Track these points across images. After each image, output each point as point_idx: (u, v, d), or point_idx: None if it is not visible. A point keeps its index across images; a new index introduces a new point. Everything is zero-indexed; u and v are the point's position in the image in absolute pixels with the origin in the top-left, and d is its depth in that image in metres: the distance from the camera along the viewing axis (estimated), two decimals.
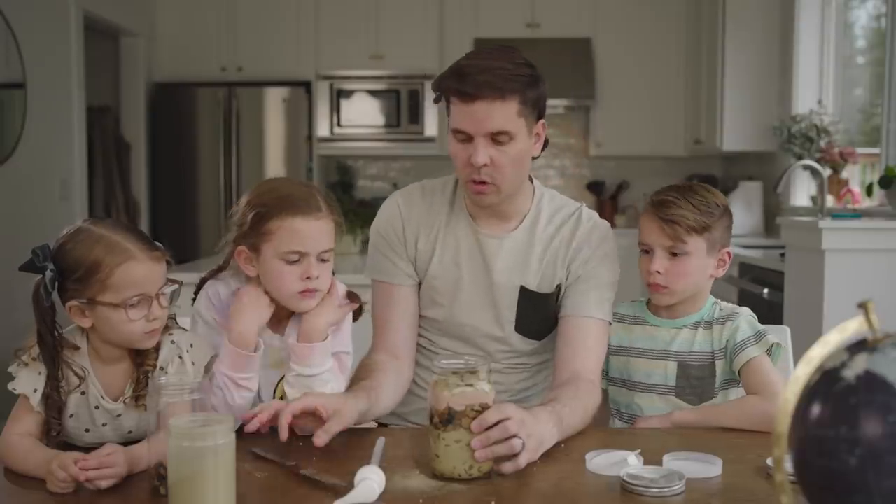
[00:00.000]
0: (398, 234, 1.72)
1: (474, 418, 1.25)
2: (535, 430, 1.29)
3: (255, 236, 1.49)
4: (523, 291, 1.68)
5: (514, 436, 1.25)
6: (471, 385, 1.26)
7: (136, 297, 1.33)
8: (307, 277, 1.48)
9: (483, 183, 1.58)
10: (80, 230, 1.36)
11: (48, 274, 1.32)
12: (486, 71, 1.51)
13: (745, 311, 1.67)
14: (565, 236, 1.69)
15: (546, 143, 1.67)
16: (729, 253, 1.69)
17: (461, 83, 1.52)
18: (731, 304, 1.70)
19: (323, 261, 1.50)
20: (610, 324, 1.68)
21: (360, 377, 1.60)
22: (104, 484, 1.20)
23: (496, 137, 1.54)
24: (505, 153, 1.56)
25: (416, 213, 1.72)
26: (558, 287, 1.68)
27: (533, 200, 1.72)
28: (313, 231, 1.48)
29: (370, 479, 1.18)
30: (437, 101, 1.62)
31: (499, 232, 1.69)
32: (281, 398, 1.54)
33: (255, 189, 1.56)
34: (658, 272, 1.64)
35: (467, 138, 1.56)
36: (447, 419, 1.25)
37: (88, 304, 1.33)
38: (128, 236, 1.35)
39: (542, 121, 1.62)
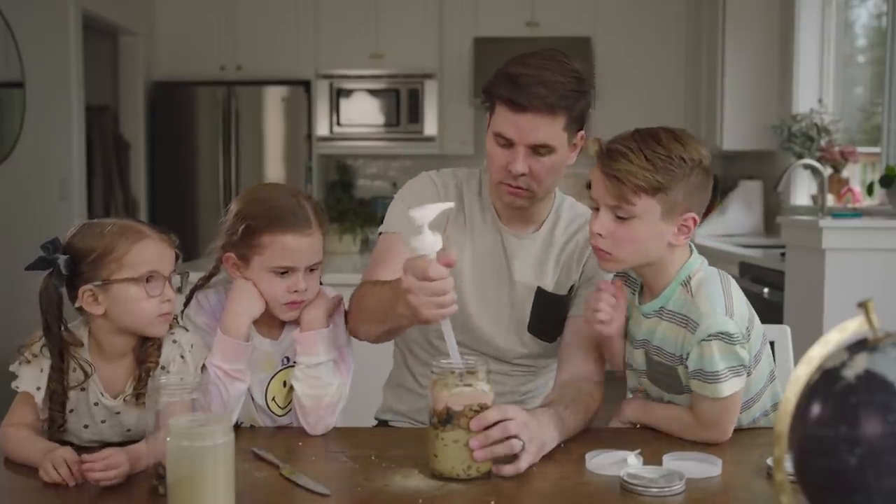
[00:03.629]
0: (435, 201, 1.70)
1: (473, 418, 1.25)
2: (537, 434, 1.29)
3: (245, 248, 1.51)
4: (539, 292, 1.68)
5: (514, 436, 1.25)
6: (469, 385, 1.26)
7: (152, 272, 1.36)
8: (295, 290, 1.50)
9: (518, 188, 1.60)
10: (88, 223, 1.41)
11: (62, 261, 1.33)
12: (540, 84, 1.50)
13: (712, 334, 1.37)
14: (581, 240, 1.70)
15: (580, 150, 1.66)
16: (695, 218, 1.41)
17: (514, 93, 1.51)
18: (707, 298, 1.41)
19: (311, 270, 1.53)
20: None
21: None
22: (107, 480, 1.20)
23: (537, 149, 1.55)
24: (543, 163, 1.57)
25: (450, 196, 1.71)
26: (572, 289, 1.69)
27: (554, 204, 1.74)
28: (303, 248, 1.50)
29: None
30: (484, 102, 1.62)
31: (521, 232, 1.71)
32: (273, 399, 1.57)
33: (245, 196, 1.56)
34: (599, 234, 1.41)
35: (508, 144, 1.57)
36: (445, 419, 1.25)
37: (103, 286, 1.34)
38: (137, 221, 1.41)
39: (581, 132, 1.61)
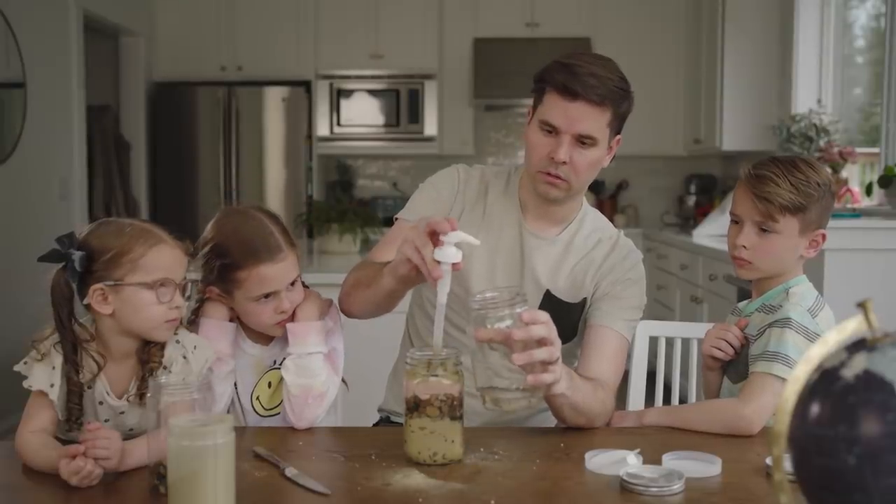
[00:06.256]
0: (451, 193, 1.75)
1: (440, 408, 1.30)
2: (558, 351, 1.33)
3: (225, 283, 1.55)
4: (548, 296, 1.69)
5: (552, 343, 1.29)
6: (436, 376, 1.31)
7: (165, 279, 1.37)
8: (281, 311, 1.55)
9: (557, 177, 1.61)
10: (106, 222, 1.42)
11: (77, 257, 1.34)
12: (594, 76, 1.55)
13: (791, 319, 1.53)
14: (599, 254, 1.71)
15: (614, 157, 1.70)
16: (824, 234, 1.62)
17: (570, 80, 1.55)
18: (798, 297, 1.58)
19: (291, 285, 1.57)
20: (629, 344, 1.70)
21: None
22: (100, 453, 1.22)
23: (581, 139, 1.58)
24: (584, 156, 1.60)
25: (470, 189, 1.75)
26: (584, 300, 1.70)
27: (579, 213, 1.75)
28: (280, 273, 1.54)
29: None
30: (534, 90, 1.64)
31: (542, 233, 1.72)
32: (258, 398, 1.61)
33: (216, 229, 1.58)
34: (744, 246, 1.60)
35: (553, 132, 1.59)
36: (413, 406, 1.31)
37: (115, 286, 1.35)
38: (155, 225, 1.42)
39: (618, 136, 1.66)
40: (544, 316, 1.31)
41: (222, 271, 1.54)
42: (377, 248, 1.73)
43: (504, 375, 1.31)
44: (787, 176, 1.56)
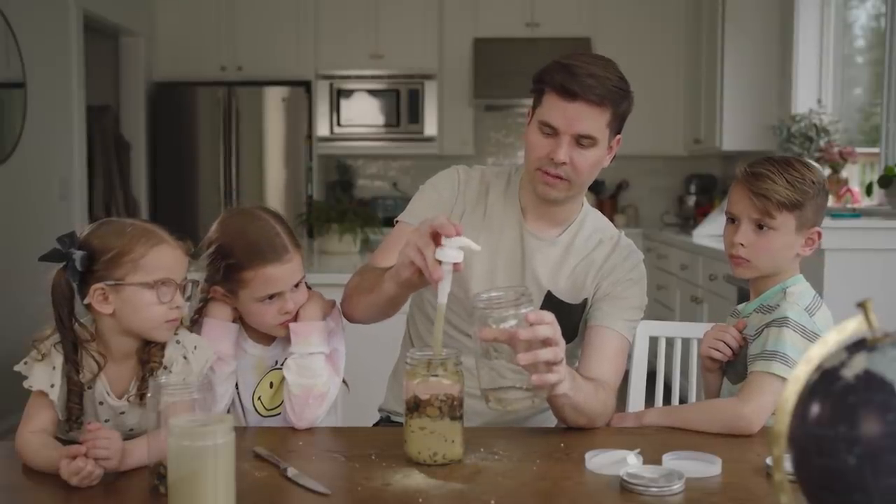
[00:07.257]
0: (452, 194, 1.74)
1: (440, 408, 1.30)
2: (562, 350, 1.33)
3: (230, 283, 1.55)
4: (549, 297, 1.68)
5: (557, 344, 1.29)
6: (436, 376, 1.31)
7: (166, 279, 1.37)
8: (285, 312, 1.56)
9: (557, 177, 1.61)
10: (107, 222, 1.42)
11: (77, 256, 1.34)
12: (593, 76, 1.55)
13: (789, 318, 1.53)
14: (600, 255, 1.71)
15: (614, 157, 1.69)
16: (819, 232, 1.63)
17: (569, 80, 1.55)
18: (796, 296, 1.58)
19: (296, 286, 1.57)
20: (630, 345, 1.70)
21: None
22: (100, 454, 1.21)
23: (581, 140, 1.58)
24: (584, 156, 1.60)
25: (471, 190, 1.75)
26: (584, 301, 1.69)
27: (580, 214, 1.75)
28: (285, 274, 1.54)
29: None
30: (533, 91, 1.64)
31: (543, 234, 1.72)
32: (259, 399, 1.62)
33: (221, 229, 1.59)
34: (741, 244, 1.60)
35: (552, 133, 1.59)
36: (413, 406, 1.31)
37: (115, 286, 1.35)
38: (156, 225, 1.43)
39: (618, 136, 1.66)
40: (549, 316, 1.31)
41: (227, 271, 1.54)
42: (378, 252, 1.73)
43: (507, 375, 1.31)
44: (783, 174, 1.58)
